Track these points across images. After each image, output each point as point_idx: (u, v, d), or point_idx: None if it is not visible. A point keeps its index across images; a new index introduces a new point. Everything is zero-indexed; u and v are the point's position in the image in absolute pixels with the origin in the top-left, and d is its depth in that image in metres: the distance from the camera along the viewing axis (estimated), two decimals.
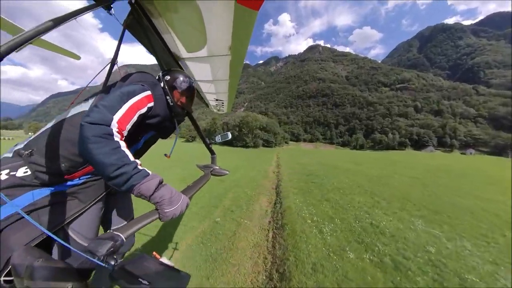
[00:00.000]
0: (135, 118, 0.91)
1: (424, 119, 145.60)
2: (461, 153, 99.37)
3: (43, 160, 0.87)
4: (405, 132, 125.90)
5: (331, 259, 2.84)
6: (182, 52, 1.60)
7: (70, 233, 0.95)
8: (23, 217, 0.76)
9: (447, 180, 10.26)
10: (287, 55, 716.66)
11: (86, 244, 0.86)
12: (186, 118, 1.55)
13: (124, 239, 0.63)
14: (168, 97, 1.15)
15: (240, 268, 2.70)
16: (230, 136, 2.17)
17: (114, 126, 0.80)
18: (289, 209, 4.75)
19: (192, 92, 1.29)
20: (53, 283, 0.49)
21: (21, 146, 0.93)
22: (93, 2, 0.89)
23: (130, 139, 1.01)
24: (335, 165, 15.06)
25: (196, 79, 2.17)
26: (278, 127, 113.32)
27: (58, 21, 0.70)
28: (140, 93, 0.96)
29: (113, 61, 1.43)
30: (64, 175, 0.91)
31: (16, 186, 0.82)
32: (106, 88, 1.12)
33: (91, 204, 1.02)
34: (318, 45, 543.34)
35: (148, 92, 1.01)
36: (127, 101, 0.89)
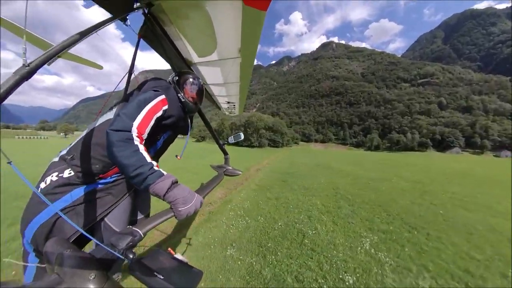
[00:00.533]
0: (152, 121, 1.03)
1: (449, 117, 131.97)
2: (494, 156, 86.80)
3: (81, 162, 1.06)
4: (427, 131, 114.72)
5: (212, 252, 2.84)
6: (194, 57, 1.71)
7: (107, 223, 1.15)
8: (75, 207, 1.01)
9: (459, 188, 8.16)
10: (299, 54, 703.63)
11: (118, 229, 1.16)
12: (200, 120, 1.79)
13: (142, 234, 0.71)
14: (179, 95, 1.26)
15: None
16: (242, 136, 2.18)
17: (134, 132, 0.91)
18: (228, 202, 5.02)
19: (200, 88, 1.36)
20: (78, 271, 0.54)
21: (65, 152, 1.14)
22: (111, 16, 1.02)
23: (150, 141, 1.17)
24: (329, 166, 13.87)
25: (208, 83, 2.26)
26: (286, 127, 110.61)
27: (82, 35, 0.79)
28: (155, 99, 1.08)
29: (130, 70, 1.56)
30: (99, 174, 1.09)
31: (64, 185, 1.02)
32: (126, 96, 1.28)
33: (122, 199, 1.19)
34: (332, 42, 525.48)
35: (162, 96, 1.12)
36: (144, 108, 1.00)
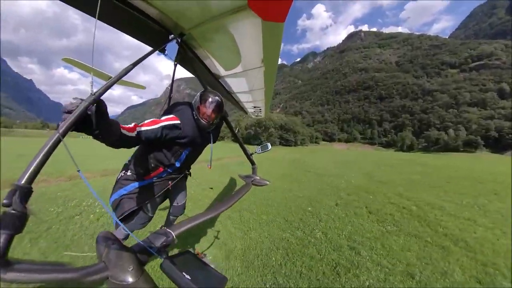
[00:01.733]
0: (155, 127, 1.26)
1: None
2: None
3: (134, 165, 1.58)
4: (477, 126, 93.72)
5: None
6: (221, 71, 1.93)
7: (147, 208, 1.65)
8: (131, 194, 1.53)
9: (483, 200, 5.68)
10: (325, 49, 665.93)
11: (152, 215, 1.67)
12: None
13: (174, 236, 0.77)
14: (193, 112, 1.47)
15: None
16: (270, 146, 2.31)
17: (135, 128, 1.17)
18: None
19: (215, 108, 1.48)
20: (120, 262, 0.60)
21: (129, 157, 1.67)
22: (152, 48, 1.29)
23: (175, 156, 1.53)
24: (319, 172, 11.21)
25: (235, 92, 2.49)
26: (300, 126, 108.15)
27: (132, 65, 1.06)
28: (166, 116, 1.41)
29: (170, 93, 1.93)
30: (143, 176, 1.56)
31: (126, 179, 1.56)
32: (167, 110, 1.63)
33: (159, 194, 1.65)
34: (359, 31, 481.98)
35: (171, 116, 1.40)
36: (153, 119, 1.33)
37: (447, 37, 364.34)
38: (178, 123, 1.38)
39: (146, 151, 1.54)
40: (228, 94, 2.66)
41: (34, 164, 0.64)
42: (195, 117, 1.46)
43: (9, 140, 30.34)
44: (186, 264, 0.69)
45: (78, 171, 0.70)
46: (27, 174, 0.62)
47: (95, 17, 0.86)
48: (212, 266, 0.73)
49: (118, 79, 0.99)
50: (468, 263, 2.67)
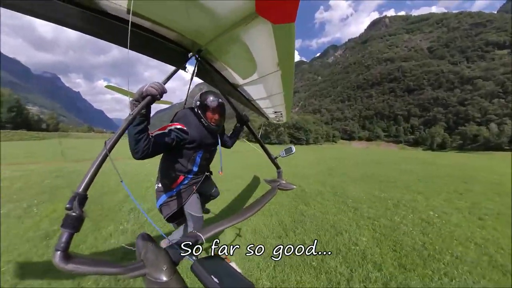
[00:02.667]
0: (165, 130, 1.44)
1: None
2: None
3: (160, 179, 1.76)
4: None
5: None
6: (239, 80, 1.98)
7: (186, 210, 1.77)
8: (165, 204, 1.73)
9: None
10: (346, 40, 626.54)
11: (198, 215, 1.77)
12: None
13: (203, 239, 0.84)
14: (202, 120, 1.62)
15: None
16: (294, 149, 2.29)
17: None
18: None
19: (220, 111, 1.64)
20: (156, 262, 0.67)
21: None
22: (174, 68, 1.53)
23: (190, 159, 1.66)
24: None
25: (254, 99, 2.52)
26: (312, 124, 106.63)
27: (163, 82, 1.27)
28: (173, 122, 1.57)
29: (185, 102, 2.09)
30: (168, 186, 1.72)
31: (158, 191, 1.76)
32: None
33: (186, 200, 1.76)
34: (383, 18, 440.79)
35: (176, 123, 1.54)
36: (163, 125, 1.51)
37: (495, 12, 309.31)
38: (185, 129, 1.52)
39: (165, 166, 1.73)
40: (248, 102, 2.73)
41: (88, 176, 0.77)
42: (205, 124, 1.62)
43: (71, 141, 38.20)
44: (214, 267, 0.72)
45: (121, 181, 0.87)
46: (83, 184, 0.75)
47: (127, 48, 1.03)
48: (239, 271, 0.75)
49: (133, 119, 1.15)
50: None
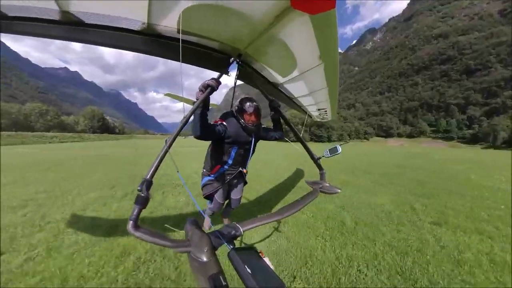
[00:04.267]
0: (217, 123, 1.87)
1: None
2: None
3: (205, 165, 2.27)
4: None
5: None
6: (279, 79, 2.04)
7: (218, 194, 2.24)
8: (207, 185, 2.20)
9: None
10: (387, 21, 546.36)
11: (220, 201, 2.29)
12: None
13: (242, 231, 0.94)
14: (241, 121, 1.91)
15: None
16: (340, 149, 1.88)
17: None
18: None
19: (255, 113, 1.90)
20: (199, 243, 0.79)
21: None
22: (219, 73, 1.59)
23: (227, 153, 2.03)
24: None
25: (296, 96, 2.53)
26: (334, 122, 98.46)
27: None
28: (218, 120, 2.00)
29: (231, 105, 2.24)
30: (209, 171, 2.19)
31: (203, 174, 2.26)
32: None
33: (222, 185, 2.20)
34: None
35: (219, 120, 1.96)
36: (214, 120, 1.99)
37: None
38: (225, 124, 1.87)
39: (209, 155, 2.17)
40: (289, 100, 2.74)
41: (154, 165, 1.00)
42: (243, 125, 1.89)
43: (134, 141, 48.78)
44: (249, 259, 0.77)
45: (177, 172, 1.12)
46: (150, 172, 0.97)
47: (179, 61, 1.20)
48: (272, 267, 0.78)
49: (199, 104, 1.34)
50: None
